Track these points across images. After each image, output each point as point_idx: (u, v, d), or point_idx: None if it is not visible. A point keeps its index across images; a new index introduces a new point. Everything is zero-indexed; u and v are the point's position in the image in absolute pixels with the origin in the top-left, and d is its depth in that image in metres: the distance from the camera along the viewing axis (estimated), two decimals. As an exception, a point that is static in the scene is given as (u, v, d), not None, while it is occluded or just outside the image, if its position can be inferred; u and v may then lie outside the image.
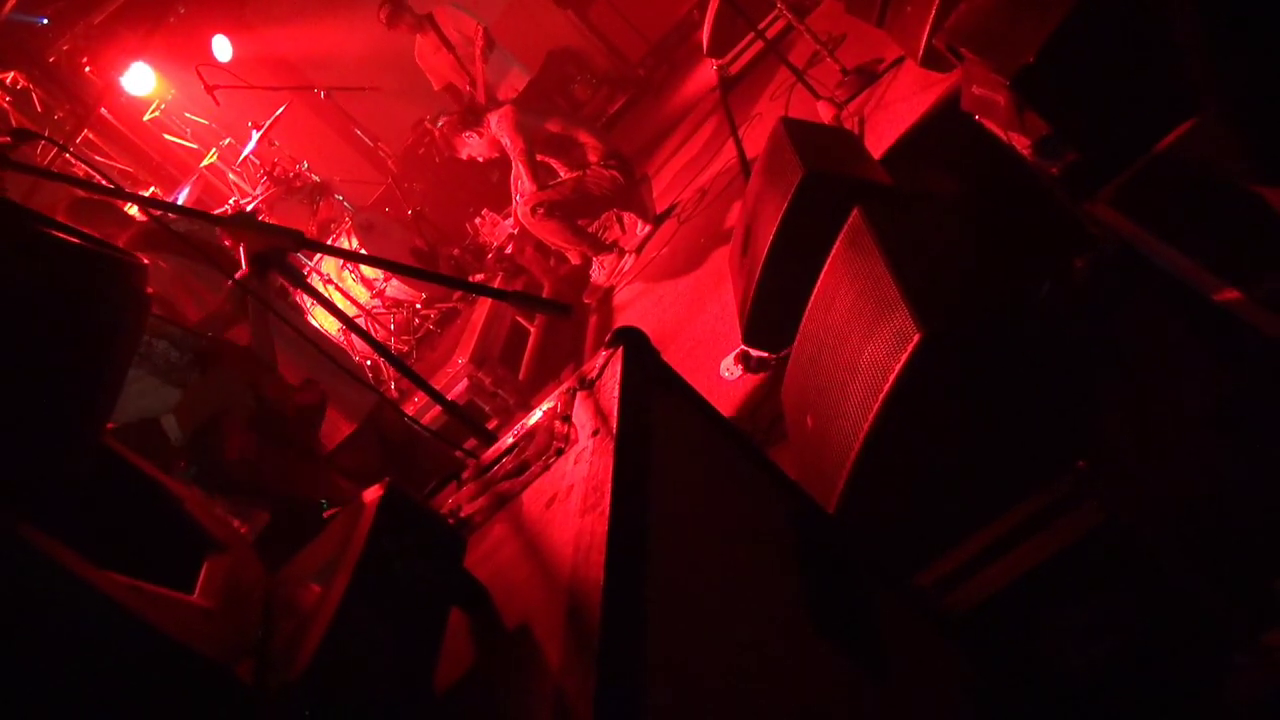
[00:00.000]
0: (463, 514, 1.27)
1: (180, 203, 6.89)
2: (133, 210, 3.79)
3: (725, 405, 3.29)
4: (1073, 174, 2.04)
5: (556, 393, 1.31)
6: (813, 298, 2.20)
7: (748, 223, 3.19)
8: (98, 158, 8.07)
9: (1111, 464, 1.68)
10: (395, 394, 5.49)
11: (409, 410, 4.78)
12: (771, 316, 2.95)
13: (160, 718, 0.75)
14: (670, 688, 0.83)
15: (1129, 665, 1.55)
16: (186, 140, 8.77)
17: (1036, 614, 1.63)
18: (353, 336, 5.48)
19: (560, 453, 1.17)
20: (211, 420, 2.32)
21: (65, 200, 3.29)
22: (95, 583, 0.75)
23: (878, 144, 3.51)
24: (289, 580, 1.07)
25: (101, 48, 8.15)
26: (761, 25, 4.95)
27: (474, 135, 5.76)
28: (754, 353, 3.30)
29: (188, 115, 8.57)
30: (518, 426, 1.36)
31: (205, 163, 8.14)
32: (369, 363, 5.71)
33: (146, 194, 7.42)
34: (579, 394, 1.25)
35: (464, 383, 5.04)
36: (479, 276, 6.77)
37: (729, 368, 3.47)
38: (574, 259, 6.23)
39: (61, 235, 0.93)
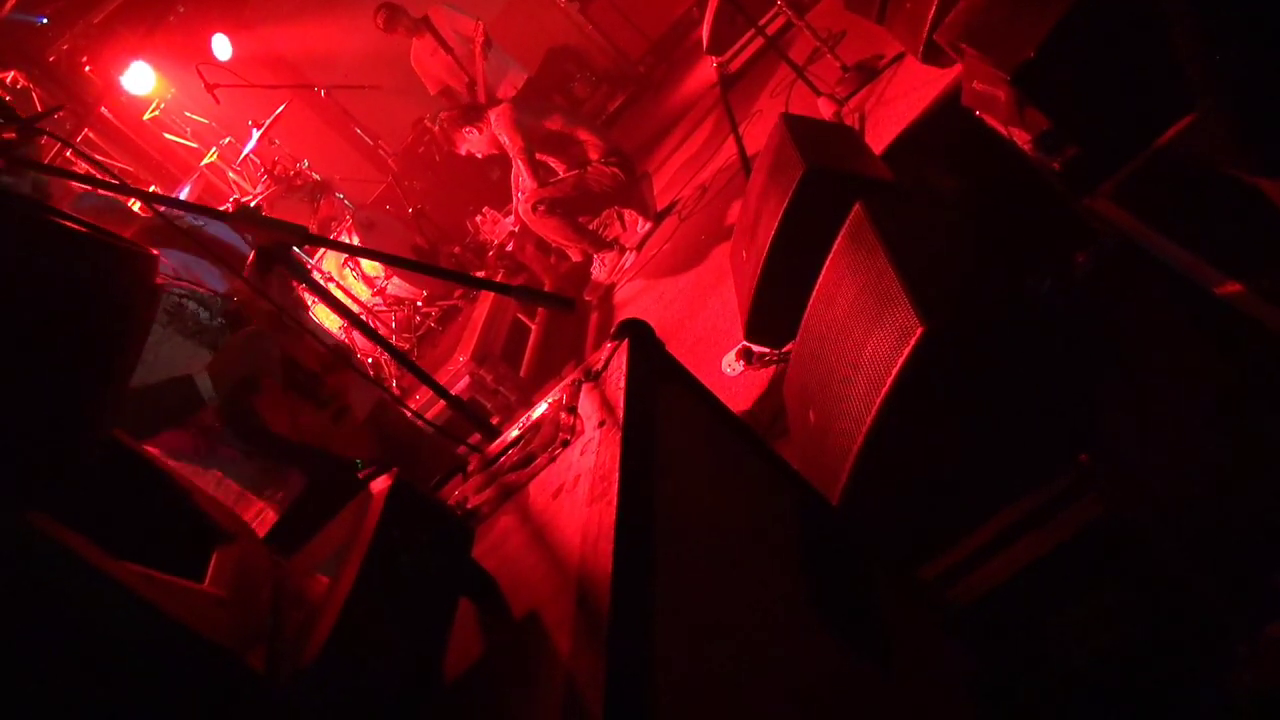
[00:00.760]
0: (470, 505, 1.27)
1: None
2: (135, 206, 3.80)
3: (728, 401, 3.26)
4: (1073, 169, 2.04)
5: (561, 385, 1.32)
6: (814, 293, 2.20)
7: (749, 219, 3.19)
8: (98, 157, 8.05)
9: (1113, 458, 1.68)
10: (398, 391, 5.49)
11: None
12: (773, 312, 2.95)
13: (174, 704, 0.76)
14: (679, 674, 0.83)
15: (1130, 658, 1.56)
16: (187, 139, 8.75)
17: (1038, 607, 1.64)
18: (355, 334, 5.48)
19: (566, 444, 1.17)
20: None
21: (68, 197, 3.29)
22: (111, 572, 0.75)
23: (879, 140, 3.51)
24: (297, 571, 1.08)
25: (101, 47, 8.13)
26: (761, 22, 4.93)
27: (474, 131, 5.76)
28: (756, 348, 3.31)
29: (188, 114, 8.55)
30: (523, 419, 1.37)
31: (205, 161, 8.11)
32: (371, 360, 5.72)
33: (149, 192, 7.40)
34: (584, 386, 1.26)
35: (465, 380, 5.04)
36: (480, 274, 6.77)
37: (731, 364, 3.47)
38: (575, 256, 6.23)
39: (72, 225, 0.93)
